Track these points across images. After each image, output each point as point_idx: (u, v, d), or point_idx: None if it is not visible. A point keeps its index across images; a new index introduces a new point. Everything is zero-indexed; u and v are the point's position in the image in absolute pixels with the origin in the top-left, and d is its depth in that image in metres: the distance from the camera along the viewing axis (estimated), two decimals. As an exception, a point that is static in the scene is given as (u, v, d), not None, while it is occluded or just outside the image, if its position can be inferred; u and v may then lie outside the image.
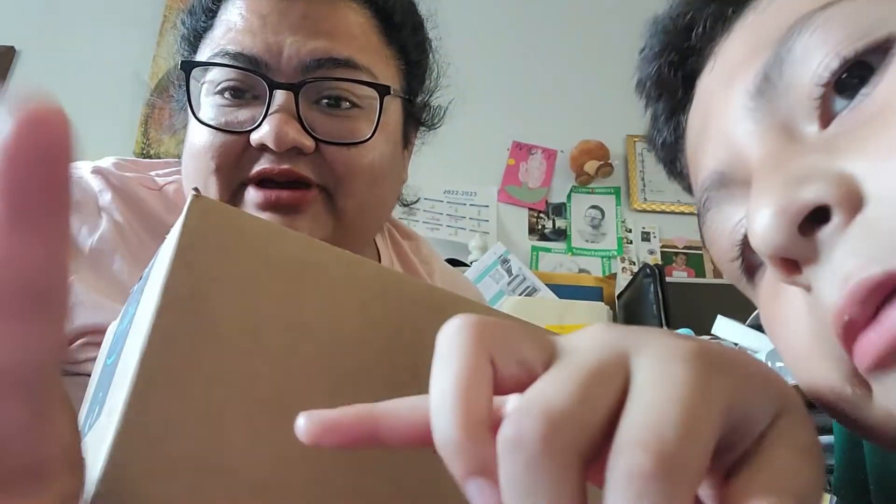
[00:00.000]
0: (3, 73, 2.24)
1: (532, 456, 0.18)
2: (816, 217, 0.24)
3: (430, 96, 0.67)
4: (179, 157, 0.63)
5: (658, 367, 0.20)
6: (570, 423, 0.19)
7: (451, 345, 0.21)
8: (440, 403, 0.20)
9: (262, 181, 0.53)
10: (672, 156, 0.40)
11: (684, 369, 0.20)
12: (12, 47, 2.29)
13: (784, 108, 0.28)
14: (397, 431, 0.22)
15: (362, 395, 0.31)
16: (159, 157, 1.17)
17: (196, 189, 0.29)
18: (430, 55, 0.66)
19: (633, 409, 0.19)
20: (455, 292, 0.36)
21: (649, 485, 0.17)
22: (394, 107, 0.59)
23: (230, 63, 0.53)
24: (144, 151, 2.17)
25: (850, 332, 0.24)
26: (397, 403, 0.22)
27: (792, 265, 0.26)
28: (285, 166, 0.52)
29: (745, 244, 0.31)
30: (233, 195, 0.54)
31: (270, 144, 0.51)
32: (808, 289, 0.26)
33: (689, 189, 0.39)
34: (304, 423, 0.22)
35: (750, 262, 0.32)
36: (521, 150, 2.29)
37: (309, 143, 0.52)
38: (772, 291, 0.30)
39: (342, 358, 0.30)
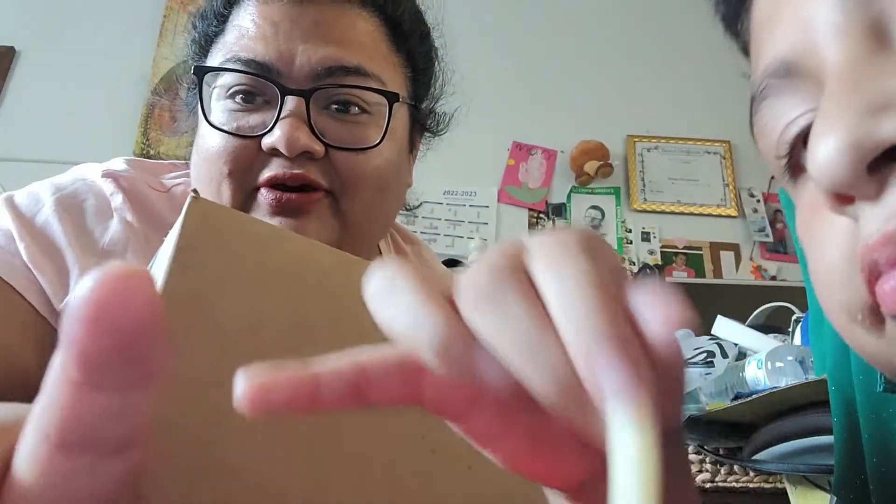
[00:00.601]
0: (3, 73, 2.25)
1: (497, 272, 0.20)
2: (890, 152, 0.22)
3: (436, 103, 0.68)
4: (183, 158, 0.63)
5: (551, 245, 0.21)
6: (509, 256, 0.21)
7: (394, 281, 0.21)
8: (415, 315, 0.20)
9: (273, 185, 0.54)
10: (735, 12, 0.35)
11: (574, 239, 0.21)
12: (12, 47, 2.29)
13: (880, 1, 0.25)
14: (338, 383, 0.20)
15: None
16: (159, 157, 1.17)
17: (195, 190, 0.29)
18: (437, 63, 0.67)
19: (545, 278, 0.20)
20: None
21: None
22: (401, 113, 0.60)
23: (243, 69, 0.54)
24: (144, 151, 2.17)
25: (873, 271, 0.24)
26: (336, 356, 0.21)
27: (846, 198, 0.24)
28: (296, 171, 0.53)
29: (795, 144, 0.29)
30: (245, 198, 0.54)
31: (282, 149, 0.52)
32: (855, 219, 0.25)
33: (744, 50, 0.35)
34: (242, 385, 0.19)
35: (797, 163, 0.30)
36: (521, 151, 2.29)
37: (319, 147, 0.53)
38: (814, 205, 0.28)
39: (342, 359, 0.30)
